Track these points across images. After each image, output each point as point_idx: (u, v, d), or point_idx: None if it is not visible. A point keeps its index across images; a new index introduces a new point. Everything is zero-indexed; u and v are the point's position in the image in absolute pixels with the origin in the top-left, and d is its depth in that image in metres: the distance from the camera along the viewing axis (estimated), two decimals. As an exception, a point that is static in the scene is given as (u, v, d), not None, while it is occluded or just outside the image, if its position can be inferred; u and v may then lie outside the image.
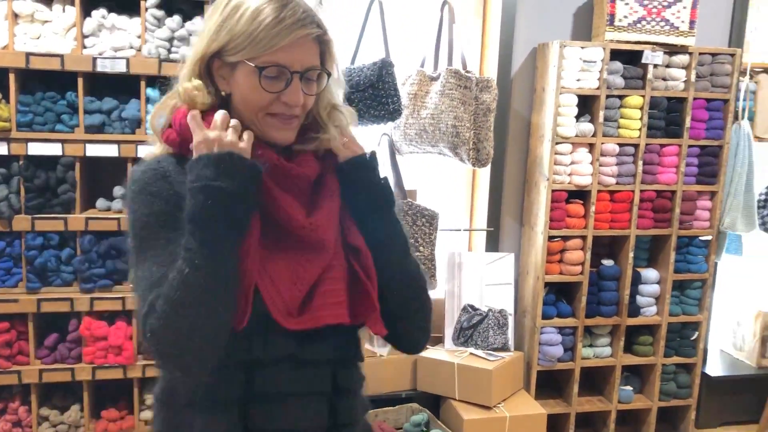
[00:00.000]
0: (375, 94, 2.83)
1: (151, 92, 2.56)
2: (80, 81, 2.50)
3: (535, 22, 3.20)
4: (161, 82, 1.34)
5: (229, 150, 1.07)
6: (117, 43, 2.52)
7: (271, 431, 1.16)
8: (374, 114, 2.84)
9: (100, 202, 2.67)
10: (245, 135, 1.11)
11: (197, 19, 2.53)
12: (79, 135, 2.53)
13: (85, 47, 2.53)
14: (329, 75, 1.18)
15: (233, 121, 1.11)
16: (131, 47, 2.54)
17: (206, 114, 1.14)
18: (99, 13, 2.51)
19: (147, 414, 2.76)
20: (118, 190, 2.67)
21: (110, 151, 2.55)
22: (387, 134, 3.03)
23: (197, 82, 1.15)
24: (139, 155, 2.53)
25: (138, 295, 1.09)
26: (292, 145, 1.20)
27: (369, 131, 2.98)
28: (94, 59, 2.48)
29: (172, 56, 2.53)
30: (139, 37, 2.54)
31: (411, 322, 1.27)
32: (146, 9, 2.52)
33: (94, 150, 2.54)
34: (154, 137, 1.22)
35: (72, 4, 2.50)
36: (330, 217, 1.19)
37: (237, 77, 1.13)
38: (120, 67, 2.50)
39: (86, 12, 2.53)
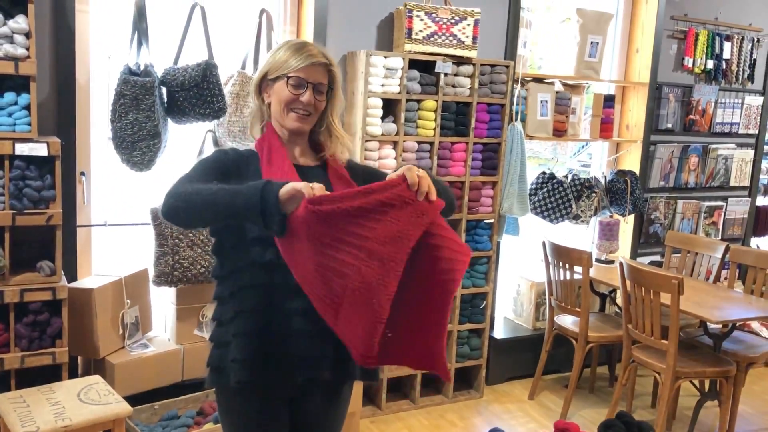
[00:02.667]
0: (200, 93, 3.01)
1: (-29, 88, 2.56)
2: None
3: (344, 31, 3.57)
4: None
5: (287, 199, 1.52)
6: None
7: (291, 308, 1.69)
8: (199, 112, 3.03)
9: None
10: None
11: (20, 18, 2.57)
12: None
13: None
14: (331, 89, 1.84)
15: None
16: (-53, 42, 2.52)
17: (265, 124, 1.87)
18: None
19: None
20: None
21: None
22: (212, 131, 3.23)
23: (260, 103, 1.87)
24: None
25: (176, 180, 1.69)
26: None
27: (194, 128, 3.16)
28: None
29: (-6, 53, 2.54)
30: (-45, 32, 2.53)
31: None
32: (-37, 5, 2.51)
33: None
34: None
35: None
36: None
37: (275, 87, 1.81)
38: (-65, 62, 2.47)
39: None
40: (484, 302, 3.98)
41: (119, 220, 3.34)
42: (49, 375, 2.82)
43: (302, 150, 1.87)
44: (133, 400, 3.04)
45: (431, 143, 3.62)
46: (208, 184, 1.64)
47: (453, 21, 3.56)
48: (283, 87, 1.78)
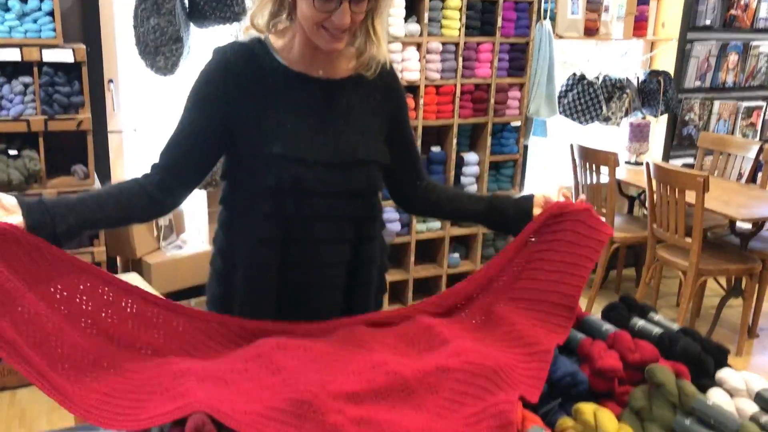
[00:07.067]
0: (220, -4, 3.01)
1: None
2: None
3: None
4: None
5: None
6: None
7: (304, 265, 1.50)
8: (220, 15, 3.04)
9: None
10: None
11: None
12: None
13: None
14: None
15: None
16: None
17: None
18: None
19: None
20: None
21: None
22: (235, 36, 3.24)
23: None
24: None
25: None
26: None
27: (215, 32, 3.18)
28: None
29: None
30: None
31: None
32: None
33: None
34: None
35: None
36: None
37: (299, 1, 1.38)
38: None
39: None
40: (511, 205, 4.00)
41: (149, 126, 3.42)
42: (90, 273, 2.98)
43: (329, 57, 1.48)
44: (170, 297, 3.22)
45: (456, 44, 3.57)
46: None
47: None
48: (308, 3, 1.34)
